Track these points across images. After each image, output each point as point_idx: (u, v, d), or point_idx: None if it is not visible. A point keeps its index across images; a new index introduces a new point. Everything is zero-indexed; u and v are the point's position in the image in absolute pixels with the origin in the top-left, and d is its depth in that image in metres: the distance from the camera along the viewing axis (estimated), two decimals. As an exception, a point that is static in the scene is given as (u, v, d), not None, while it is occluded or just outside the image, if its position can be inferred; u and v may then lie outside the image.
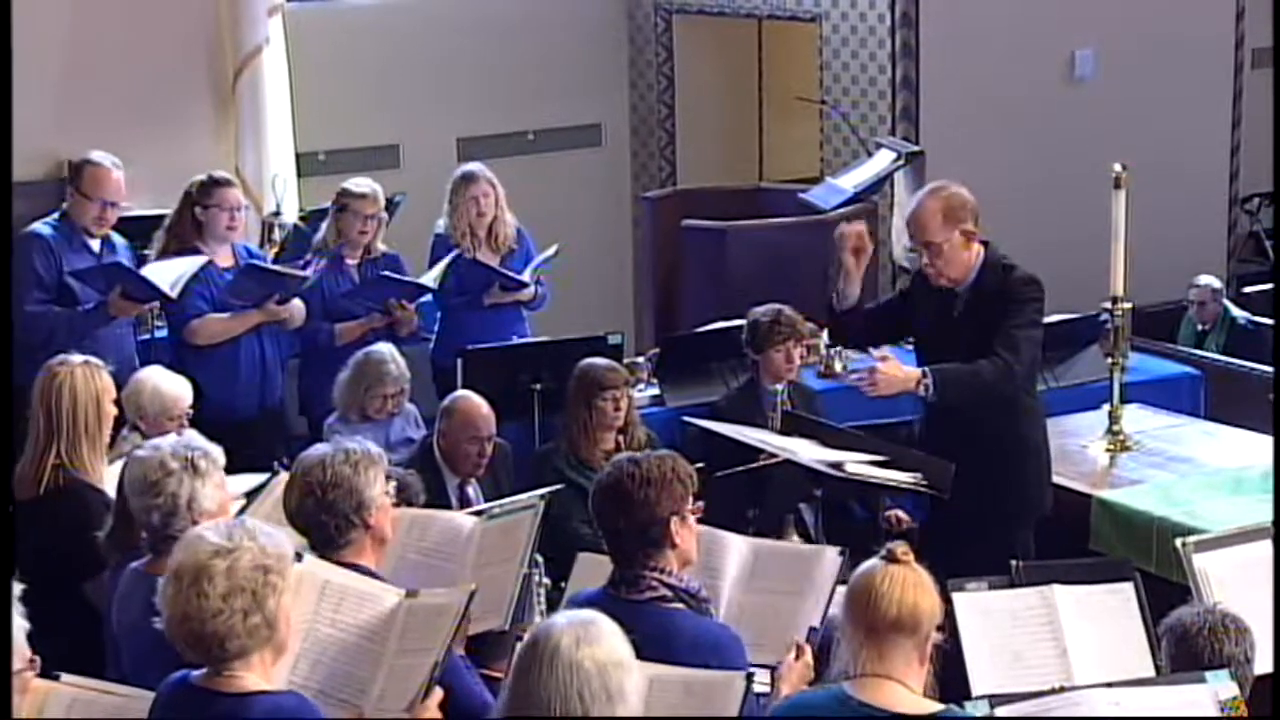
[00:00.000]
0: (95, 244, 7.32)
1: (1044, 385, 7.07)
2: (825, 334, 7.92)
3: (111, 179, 7.24)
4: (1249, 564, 4.85)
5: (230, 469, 4.62)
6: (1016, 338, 5.89)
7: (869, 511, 6.79)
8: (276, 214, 9.43)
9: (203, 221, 7.33)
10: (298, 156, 10.14)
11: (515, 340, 7.79)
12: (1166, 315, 10.60)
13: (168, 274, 7.16)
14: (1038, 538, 6.09)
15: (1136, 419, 7.19)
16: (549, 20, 11.55)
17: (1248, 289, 11.82)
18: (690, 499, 4.20)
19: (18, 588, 3.97)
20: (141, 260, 7.46)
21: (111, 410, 5.59)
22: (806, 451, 5.83)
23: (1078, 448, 6.94)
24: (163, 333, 7.62)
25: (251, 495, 5.04)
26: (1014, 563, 4.89)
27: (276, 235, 9.18)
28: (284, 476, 4.50)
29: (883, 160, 9.20)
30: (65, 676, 4.02)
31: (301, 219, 9.15)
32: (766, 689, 4.09)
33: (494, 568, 4.64)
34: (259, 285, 7.37)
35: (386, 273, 7.68)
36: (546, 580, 4.99)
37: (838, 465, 5.70)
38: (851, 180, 9.11)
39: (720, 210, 9.25)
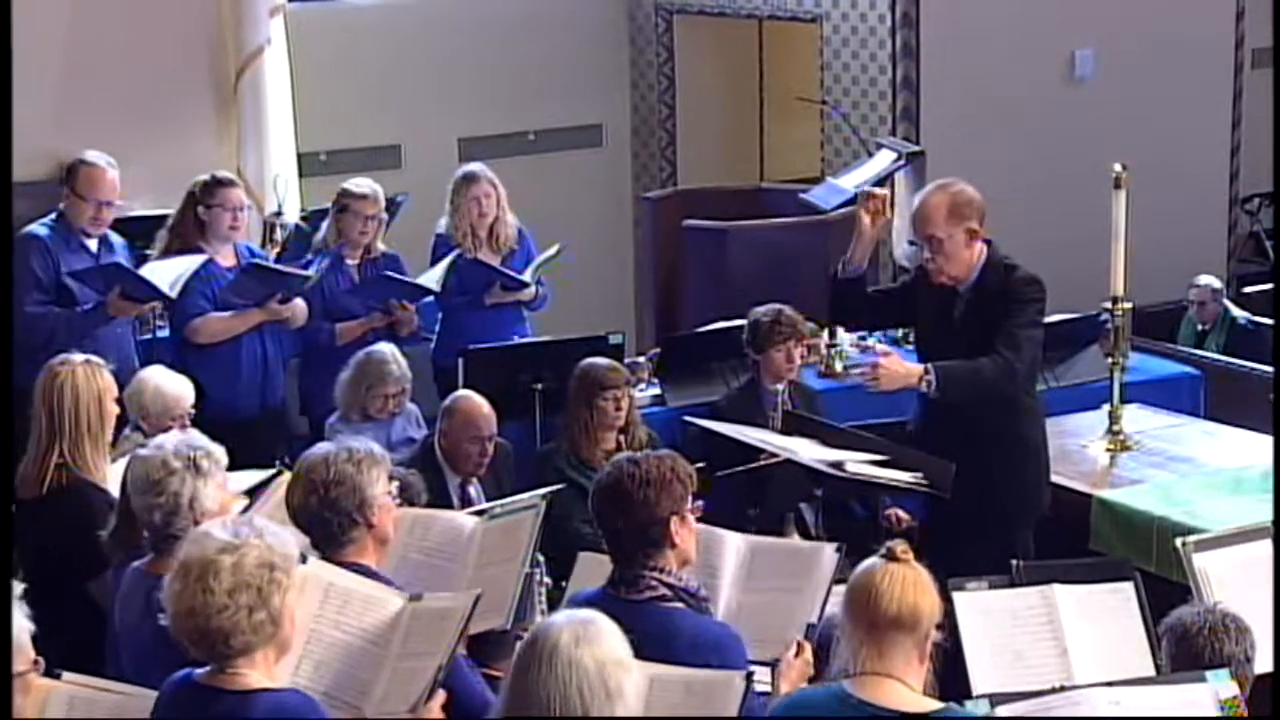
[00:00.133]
0: (93, 244, 7.31)
1: (1044, 385, 7.08)
2: (826, 334, 7.93)
3: (106, 178, 7.23)
4: (1249, 563, 4.85)
5: (232, 469, 4.63)
6: (1018, 337, 5.90)
7: (869, 511, 6.81)
8: (278, 214, 9.44)
9: (205, 221, 7.34)
10: (299, 157, 10.15)
11: (516, 340, 7.80)
12: (1166, 315, 10.61)
13: (167, 273, 7.16)
14: (1038, 537, 6.09)
15: (1136, 419, 7.20)
16: (550, 21, 11.56)
17: (1248, 289, 11.83)
18: (690, 499, 4.20)
19: (20, 587, 3.97)
20: (142, 260, 7.46)
21: (113, 409, 5.59)
22: (807, 451, 5.84)
23: (1078, 447, 6.95)
24: (164, 332, 7.62)
25: (253, 493, 5.06)
26: (1014, 562, 4.89)
27: (278, 235, 9.20)
28: (286, 476, 4.51)
29: (883, 160, 9.21)
30: (66, 675, 4.03)
31: (303, 219, 9.16)
32: (767, 688, 4.10)
33: (495, 567, 4.65)
34: (261, 284, 7.37)
35: (389, 273, 7.69)
36: (548, 580, 5.00)
37: (838, 465, 5.70)
38: (852, 180, 9.11)
39: (721, 210, 9.25)
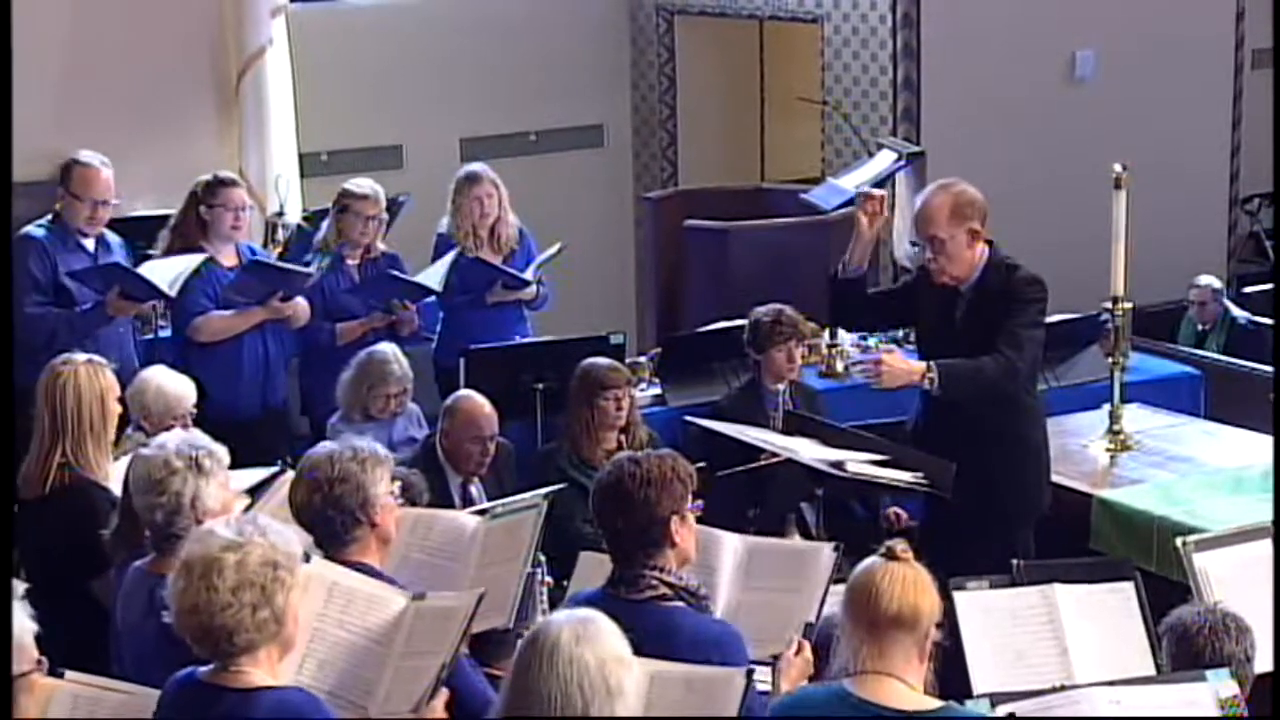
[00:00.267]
0: (89, 243, 7.30)
1: (1044, 385, 7.09)
2: (826, 334, 7.94)
3: (101, 178, 7.23)
4: (1249, 563, 4.86)
5: (234, 468, 4.64)
6: (1020, 336, 5.91)
7: (869, 511, 6.82)
8: (280, 214, 9.46)
9: (208, 221, 7.35)
10: (301, 157, 10.16)
11: (518, 340, 7.81)
12: (1167, 315, 10.62)
13: (166, 272, 7.16)
14: (1038, 537, 6.10)
15: (1137, 419, 7.20)
16: (551, 21, 11.56)
17: (1248, 289, 11.83)
18: (690, 498, 4.21)
19: (22, 587, 3.98)
20: (144, 259, 7.47)
21: (116, 408, 5.60)
22: (808, 451, 5.84)
23: (1078, 447, 6.96)
24: (166, 332, 7.63)
25: (255, 492, 5.07)
26: (1015, 562, 4.91)
27: (280, 235, 9.21)
28: (289, 475, 4.52)
29: (884, 160, 9.20)
30: (69, 674, 4.04)
31: (305, 219, 9.16)
32: (767, 686, 4.11)
33: (497, 567, 4.66)
34: (263, 282, 7.38)
35: (391, 271, 7.70)
36: (549, 579, 5.01)
37: (839, 464, 5.71)
38: (853, 180, 9.10)
39: (722, 210, 9.26)
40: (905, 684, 3.69)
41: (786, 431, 6.22)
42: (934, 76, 10.64)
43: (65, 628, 4.23)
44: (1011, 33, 10.85)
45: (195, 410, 6.28)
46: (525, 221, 8.15)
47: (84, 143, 7.54)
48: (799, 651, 4.18)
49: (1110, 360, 7.01)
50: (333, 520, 4.21)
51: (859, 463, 5.70)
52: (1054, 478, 6.32)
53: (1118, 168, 6.77)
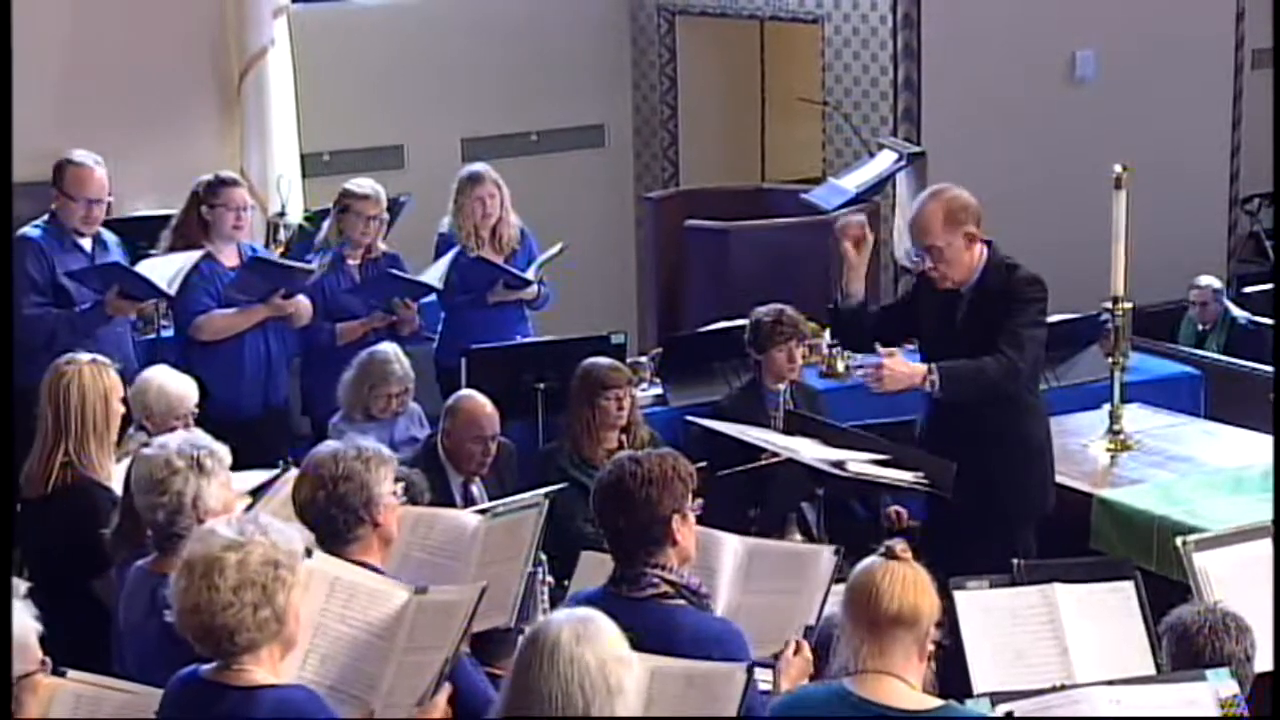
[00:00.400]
0: (86, 243, 7.28)
1: (1045, 385, 7.09)
2: (827, 334, 7.95)
3: (94, 177, 7.21)
4: (1249, 563, 4.86)
5: (236, 468, 4.64)
6: (1021, 336, 5.92)
7: (870, 510, 6.82)
8: (281, 214, 9.47)
9: (209, 221, 7.35)
10: (302, 157, 10.17)
11: (519, 340, 7.81)
12: (1167, 315, 10.62)
13: (164, 270, 7.16)
14: (1038, 537, 6.11)
15: (1137, 418, 7.21)
16: (552, 22, 11.57)
17: (1248, 289, 11.84)
18: (691, 497, 4.22)
19: (24, 586, 3.99)
20: (141, 258, 7.46)
21: (119, 409, 5.61)
22: (808, 450, 5.85)
23: (1078, 447, 6.96)
24: (168, 332, 7.64)
25: (256, 493, 5.08)
26: (1015, 561, 4.91)
27: (282, 236, 9.22)
28: (293, 474, 4.52)
29: (884, 161, 9.22)
30: (72, 673, 4.04)
31: (307, 219, 9.17)
32: (768, 686, 4.11)
33: (498, 565, 4.66)
34: (264, 279, 7.38)
35: (393, 270, 7.71)
36: (550, 579, 5.01)
37: (840, 464, 5.72)
38: (854, 180, 9.13)
39: (723, 210, 9.27)
40: (905, 683, 3.70)
41: (787, 431, 6.23)
42: (934, 77, 10.65)
43: (66, 627, 4.23)
44: (1012, 33, 10.86)
45: (197, 410, 6.29)
46: (526, 221, 8.16)
47: (85, 143, 7.54)
48: (798, 651, 4.19)
49: (1110, 360, 7.02)
50: (336, 518, 4.22)
51: (860, 462, 5.71)
52: (1055, 477, 6.33)
53: (1118, 168, 6.78)
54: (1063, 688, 4.19)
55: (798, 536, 6.31)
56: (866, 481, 5.77)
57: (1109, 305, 6.92)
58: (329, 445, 4.34)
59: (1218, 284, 10.84)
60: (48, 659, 3.90)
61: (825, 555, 4.70)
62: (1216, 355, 9.92)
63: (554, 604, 4.83)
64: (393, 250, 7.91)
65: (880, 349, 5.96)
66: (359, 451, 4.27)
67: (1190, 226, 11.37)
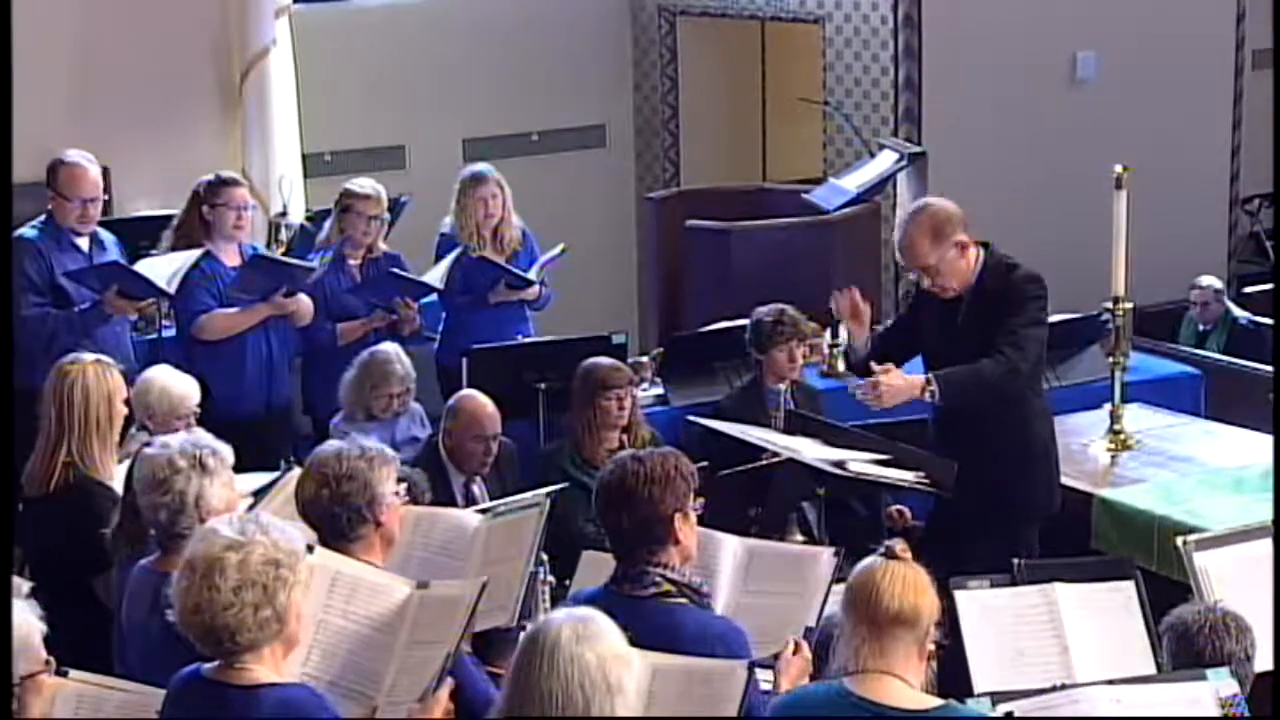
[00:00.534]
0: (84, 243, 7.30)
1: (1046, 385, 7.10)
2: (828, 333, 7.95)
3: (88, 177, 7.22)
4: (1249, 562, 4.87)
5: (238, 468, 4.65)
6: (1020, 335, 5.92)
7: (871, 510, 6.82)
8: (283, 214, 9.46)
9: (210, 220, 7.36)
10: (304, 157, 10.17)
11: (520, 340, 7.82)
12: (1167, 315, 10.63)
13: (163, 269, 7.17)
14: (1039, 536, 6.11)
15: (1137, 418, 7.22)
16: (553, 22, 11.57)
17: (1248, 289, 11.85)
18: (692, 495, 4.23)
19: (26, 585, 4.00)
20: (140, 258, 7.47)
21: (122, 409, 5.62)
22: (809, 450, 5.86)
23: (1079, 447, 6.97)
24: (170, 332, 7.65)
25: (259, 494, 5.08)
26: (1015, 561, 4.92)
27: (283, 236, 9.22)
28: (295, 473, 4.53)
29: (885, 161, 9.22)
30: (74, 673, 4.05)
31: (308, 219, 9.18)
32: (769, 686, 4.12)
33: (500, 565, 4.67)
34: (265, 276, 7.39)
35: (395, 270, 7.71)
36: (551, 579, 5.02)
37: (840, 464, 5.73)
38: (854, 181, 9.12)
39: (724, 211, 9.26)
40: (905, 682, 3.70)
41: (788, 431, 6.24)
42: (935, 77, 10.65)
43: (68, 626, 4.25)
44: (1013, 34, 10.86)
45: (199, 410, 6.29)
46: (527, 221, 8.17)
47: (86, 143, 7.55)
48: (797, 651, 4.19)
49: (1111, 360, 7.02)
50: (339, 517, 4.22)
51: (860, 462, 5.72)
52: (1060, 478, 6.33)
53: (1118, 168, 6.79)
54: (1063, 687, 4.19)
55: (798, 536, 6.31)
56: (867, 481, 5.78)
57: (1109, 305, 6.93)
58: (333, 444, 4.35)
59: (1218, 284, 10.84)
60: (52, 659, 3.91)
61: (825, 557, 4.71)
62: (1217, 355, 9.93)
63: (555, 603, 4.83)
64: (394, 250, 7.91)
65: (875, 365, 5.95)
66: (362, 451, 4.28)
67: (1190, 226, 11.37)
